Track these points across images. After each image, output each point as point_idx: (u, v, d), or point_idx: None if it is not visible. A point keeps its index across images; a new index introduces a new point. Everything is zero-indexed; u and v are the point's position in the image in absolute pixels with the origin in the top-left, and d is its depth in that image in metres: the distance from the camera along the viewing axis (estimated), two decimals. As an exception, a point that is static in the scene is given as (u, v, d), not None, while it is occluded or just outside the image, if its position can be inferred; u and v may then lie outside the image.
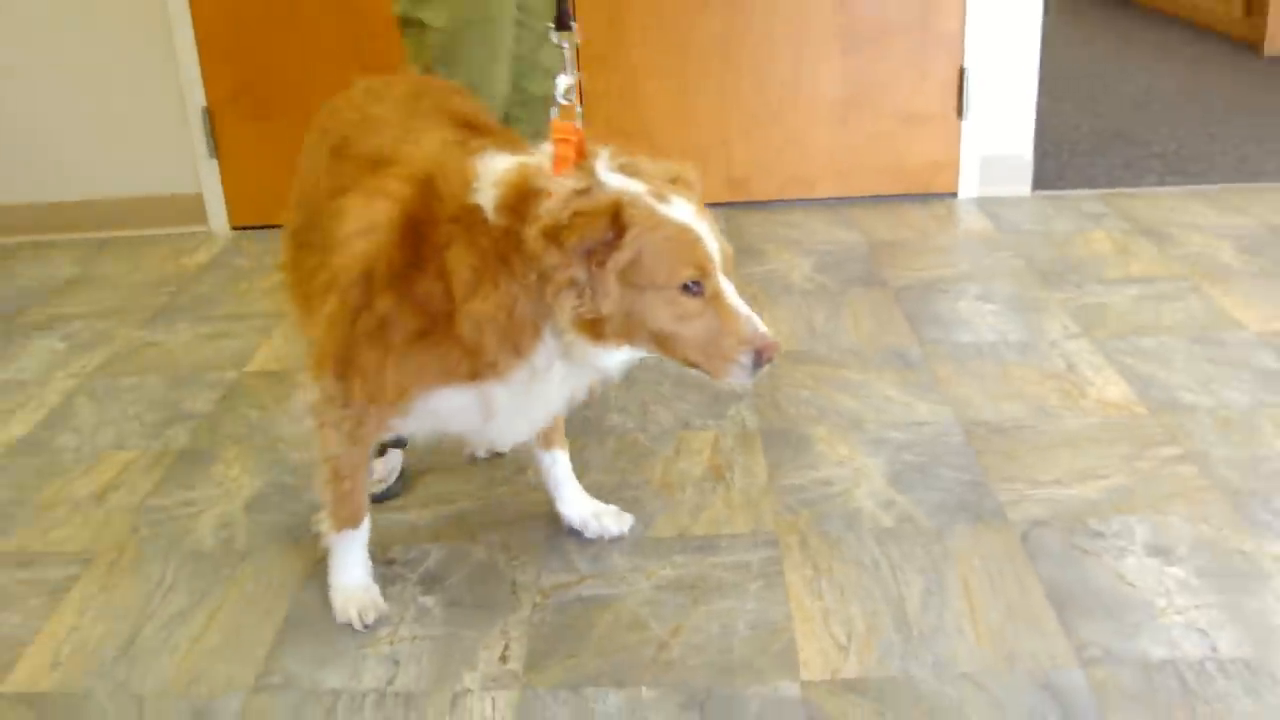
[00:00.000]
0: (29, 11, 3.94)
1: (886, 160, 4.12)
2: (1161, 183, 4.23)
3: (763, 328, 1.76)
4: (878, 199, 4.11)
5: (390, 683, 1.91)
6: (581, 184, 1.73)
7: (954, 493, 2.35)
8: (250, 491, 2.47)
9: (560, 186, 1.73)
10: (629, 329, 1.76)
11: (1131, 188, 4.18)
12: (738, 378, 1.77)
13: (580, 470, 2.34)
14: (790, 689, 1.85)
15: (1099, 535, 2.20)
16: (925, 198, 4.13)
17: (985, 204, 4.06)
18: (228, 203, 4.10)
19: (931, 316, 3.14)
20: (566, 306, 1.72)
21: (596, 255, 1.69)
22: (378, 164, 1.93)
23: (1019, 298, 3.26)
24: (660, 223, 1.72)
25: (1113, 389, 2.73)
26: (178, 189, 4.10)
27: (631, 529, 2.26)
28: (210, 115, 4.01)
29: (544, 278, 1.71)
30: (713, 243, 1.73)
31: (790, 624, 2.00)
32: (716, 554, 2.19)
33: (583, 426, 2.61)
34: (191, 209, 4.11)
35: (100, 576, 2.22)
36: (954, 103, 4.04)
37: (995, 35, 3.98)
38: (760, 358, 1.75)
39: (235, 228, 4.13)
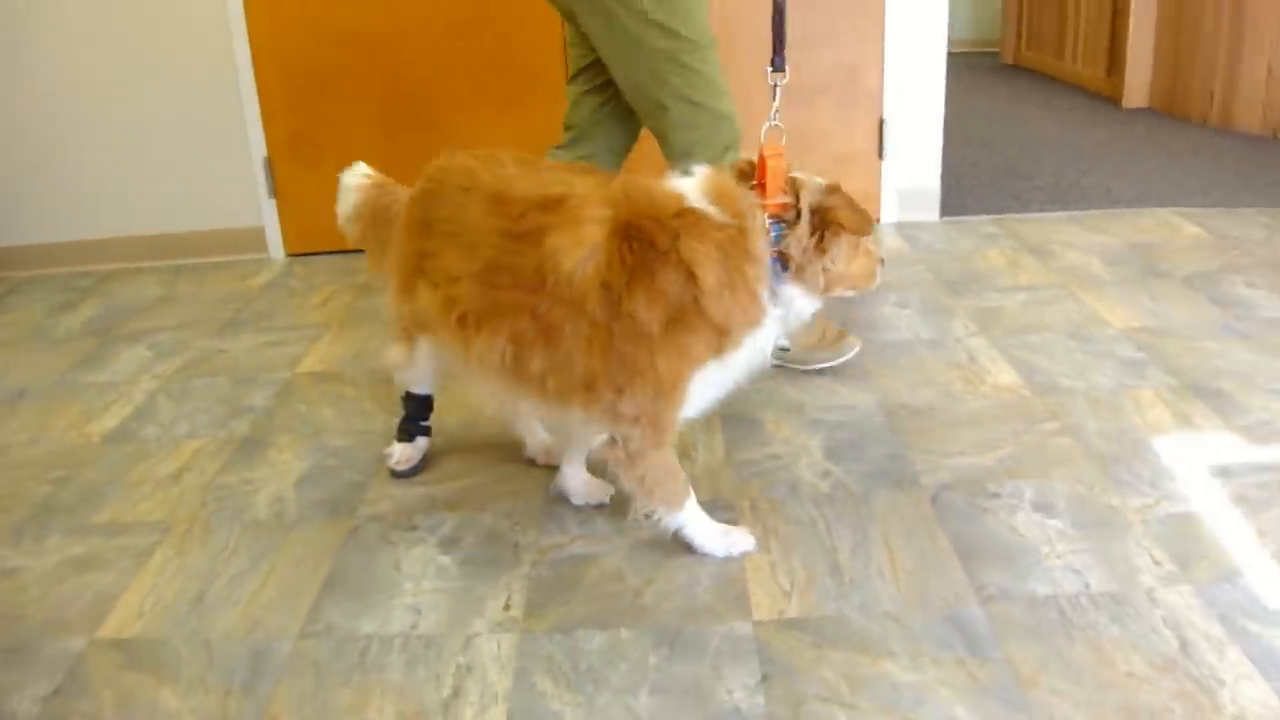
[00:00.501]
0: (124, 80, 3.92)
1: (823, 193, 4.08)
2: (1043, 210, 4.21)
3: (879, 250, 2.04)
4: (815, 225, 4.08)
5: (414, 628, 1.87)
6: (806, 182, 1.89)
7: (877, 463, 2.32)
8: (298, 472, 2.43)
9: (802, 186, 1.88)
10: (844, 275, 1.94)
11: (1019, 214, 4.16)
12: (878, 280, 2.05)
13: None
14: (744, 627, 1.82)
15: (995, 496, 2.17)
16: (853, 224, 4.09)
17: (902, 228, 4.03)
18: (284, 234, 4.06)
19: (860, 320, 3.10)
20: (819, 270, 1.87)
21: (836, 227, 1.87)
22: (546, 205, 1.87)
23: (930, 303, 3.23)
24: (851, 198, 1.90)
25: (1005, 376, 2.70)
26: (243, 223, 4.06)
27: (614, 496, 2.21)
28: (270, 162, 3.97)
29: (806, 251, 1.85)
30: None
31: (744, 574, 1.97)
32: (683, 517, 2.16)
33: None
34: (254, 240, 4.07)
35: (176, 543, 2.18)
36: (875, 146, 4.02)
37: (908, 92, 3.96)
38: (883, 266, 2.07)
39: (290, 255, 4.09)
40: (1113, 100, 6.36)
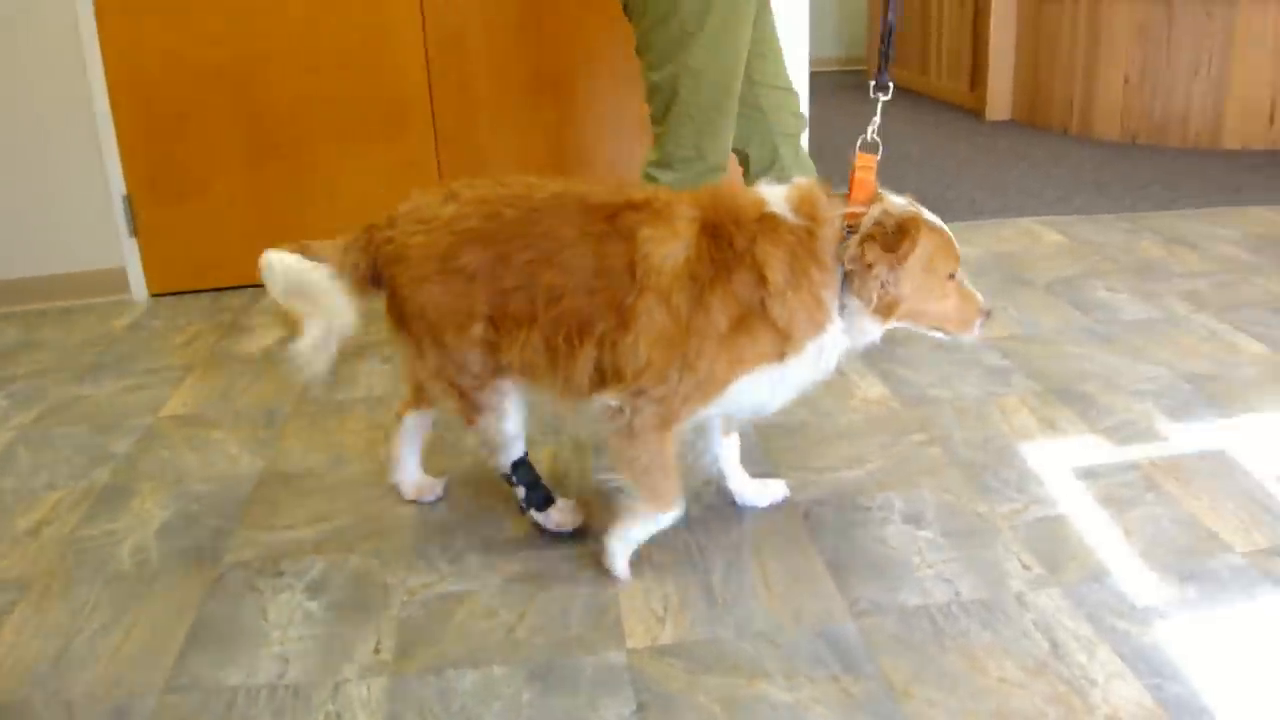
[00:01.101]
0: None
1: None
2: (910, 222, 4.27)
3: (983, 301, 1.98)
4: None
5: (281, 677, 1.82)
6: (884, 203, 1.88)
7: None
8: (161, 520, 2.34)
9: (881, 199, 1.88)
10: (909, 307, 1.90)
11: (887, 228, 4.21)
12: (975, 333, 1.99)
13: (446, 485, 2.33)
14: (618, 657, 1.81)
15: (865, 509, 2.20)
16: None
17: (773, 246, 4.04)
18: (146, 274, 3.94)
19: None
20: (872, 287, 1.83)
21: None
22: (636, 205, 1.89)
23: (800, 320, 3.24)
24: (935, 229, 1.90)
25: (874, 390, 2.74)
26: (104, 264, 3.93)
27: (482, 531, 2.19)
28: (130, 201, 3.85)
29: (863, 269, 1.82)
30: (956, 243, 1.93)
31: (617, 603, 1.95)
32: (556, 549, 2.13)
33: (449, 448, 2.54)
34: (116, 280, 3.94)
35: (36, 600, 2.08)
36: (742, 169, 4.04)
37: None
38: (985, 319, 1.98)
39: (153, 295, 3.96)
40: (976, 114, 6.53)
